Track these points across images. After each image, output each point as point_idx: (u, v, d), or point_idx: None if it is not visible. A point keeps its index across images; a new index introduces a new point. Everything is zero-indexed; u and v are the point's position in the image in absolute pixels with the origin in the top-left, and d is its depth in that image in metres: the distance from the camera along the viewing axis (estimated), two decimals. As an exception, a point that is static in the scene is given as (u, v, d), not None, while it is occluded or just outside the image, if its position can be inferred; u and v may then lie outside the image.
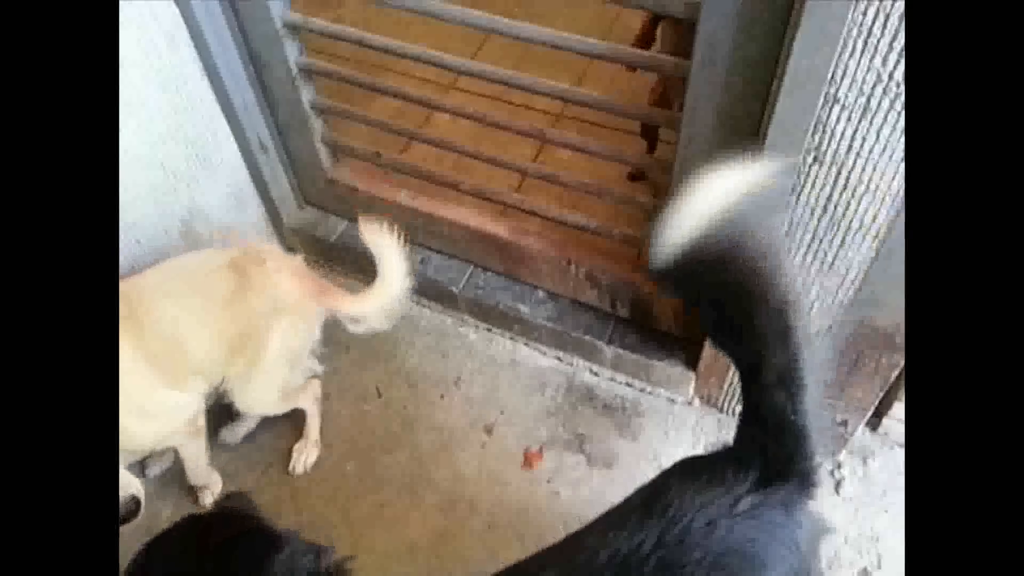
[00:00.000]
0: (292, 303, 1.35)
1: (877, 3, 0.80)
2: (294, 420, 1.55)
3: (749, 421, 0.82)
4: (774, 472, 0.78)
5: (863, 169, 0.97)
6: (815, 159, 0.99)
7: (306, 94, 1.52)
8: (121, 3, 1.23)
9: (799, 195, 1.04)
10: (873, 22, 0.82)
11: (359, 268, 1.77)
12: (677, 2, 1.04)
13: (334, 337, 1.55)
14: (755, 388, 0.78)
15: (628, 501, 0.85)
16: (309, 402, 1.53)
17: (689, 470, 0.83)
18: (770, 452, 0.78)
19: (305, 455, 1.53)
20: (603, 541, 0.77)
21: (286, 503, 1.50)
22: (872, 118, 0.91)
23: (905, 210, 0.78)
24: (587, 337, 1.56)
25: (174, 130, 1.43)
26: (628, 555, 0.74)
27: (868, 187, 0.99)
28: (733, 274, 0.76)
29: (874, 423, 1.49)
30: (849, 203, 1.02)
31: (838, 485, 1.47)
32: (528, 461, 1.51)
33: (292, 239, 1.81)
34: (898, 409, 1.43)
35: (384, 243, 1.34)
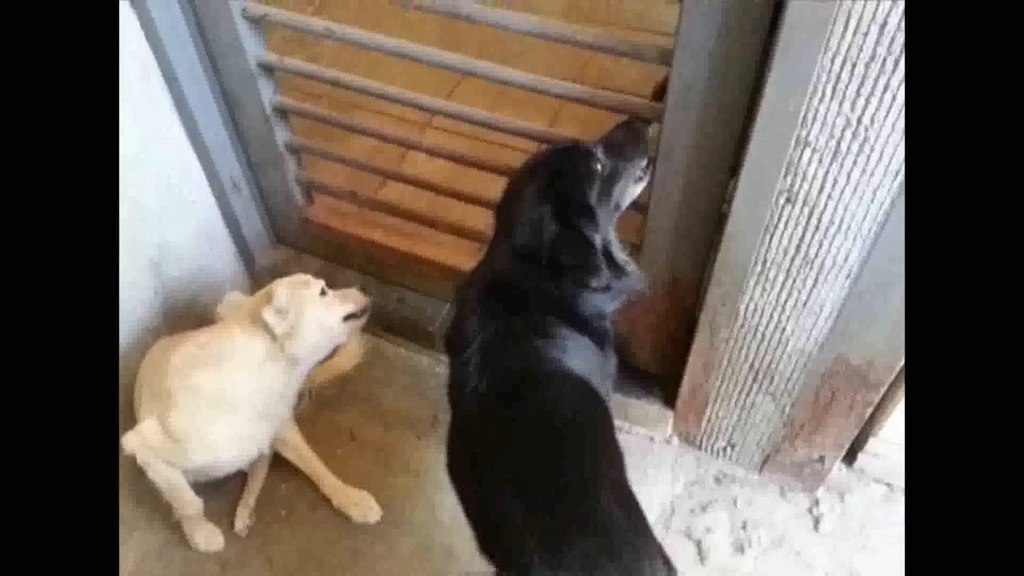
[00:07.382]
0: None
1: (844, 52, 0.83)
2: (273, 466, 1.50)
3: None
4: None
5: (834, 209, 0.99)
6: (787, 199, 1.00)
7: (280, 133, 1.51)
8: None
9: (772, 235, 1.06)
10: (841, 69, 0.84)
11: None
12: (651, 49, 1.06)
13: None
14: None
15: None
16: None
17: None
18: None
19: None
20: None
21: (253, 552, 1.44)
22: (843, 160, 0.93)
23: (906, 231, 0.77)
24: (564, 375, 1.54)
25: (143, 161, 1.40)
26: None
27: (839, 227, 1.01)
28: None
29: (850, 459, 1.50)
30: (821, 243, 1.03)
31: (817, 522, 1.46)
32: (506, 503, 1.48)
33: (265, 278, 1.78)
34: (874, 445, 1.44)
35: None
